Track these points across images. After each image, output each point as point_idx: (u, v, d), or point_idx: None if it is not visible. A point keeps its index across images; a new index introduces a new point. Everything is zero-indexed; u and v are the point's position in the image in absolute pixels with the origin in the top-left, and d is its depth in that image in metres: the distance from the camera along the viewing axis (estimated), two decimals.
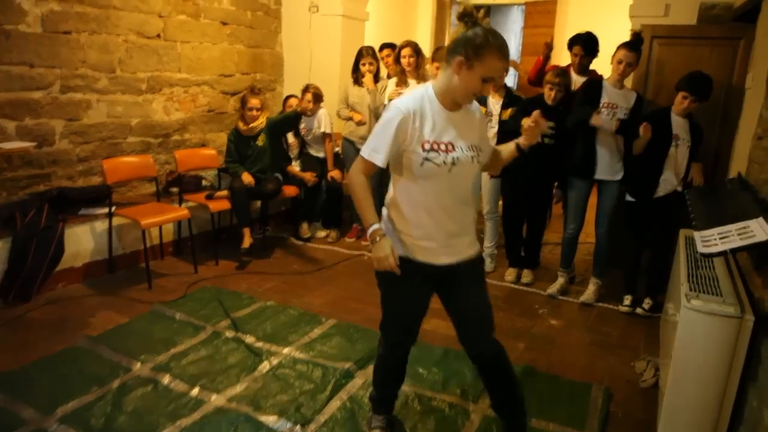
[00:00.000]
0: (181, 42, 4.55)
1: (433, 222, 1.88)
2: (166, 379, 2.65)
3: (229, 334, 3.15)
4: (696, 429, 2.12)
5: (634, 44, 3.45)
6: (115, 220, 3.91)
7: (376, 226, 1.82)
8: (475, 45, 1.71)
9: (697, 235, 2.12)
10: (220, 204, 4.31)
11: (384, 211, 2.02)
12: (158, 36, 4.36)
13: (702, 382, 2.05)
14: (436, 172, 1.81)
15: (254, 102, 4.37)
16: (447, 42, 8.37)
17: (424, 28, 7.88)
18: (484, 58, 1.71)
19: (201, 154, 4.59)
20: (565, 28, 7.10)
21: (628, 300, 3.66)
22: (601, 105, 3.50)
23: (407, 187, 1.89)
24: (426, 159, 1.80)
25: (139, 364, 2.76)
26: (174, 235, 4.48)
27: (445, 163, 1.80)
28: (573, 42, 4.10)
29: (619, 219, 3.76)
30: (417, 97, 1.85)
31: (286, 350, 2.99)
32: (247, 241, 4.27)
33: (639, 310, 3.60)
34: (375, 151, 1.82)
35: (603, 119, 3.42)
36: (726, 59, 3.83)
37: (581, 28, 4.21)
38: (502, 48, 1.73)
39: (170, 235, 4.45)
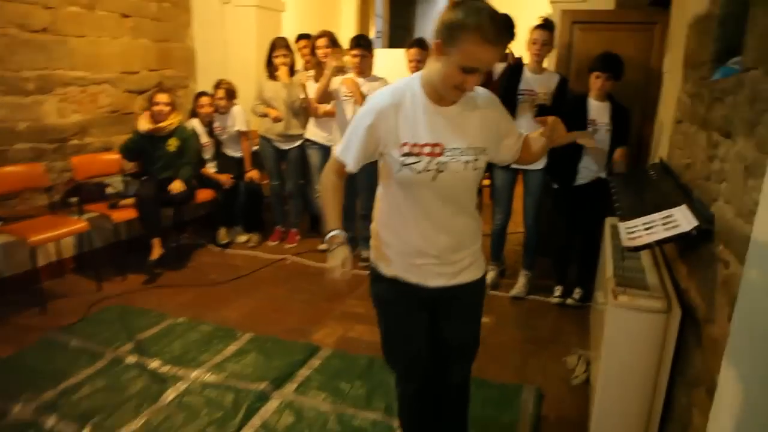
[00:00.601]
0: (75, 36, 4.12)
1: (422, 236, 1.58)
2: (51, 421, 2.31)
3: (132, 359, 2.83)
4: (627, 428, 2.01)
5: (545, 25, 3.36)
6: (1, 238, 3.48)
7: (334, 233, 1.57)
8: (449, 25, 1.37)
9: (622, 226, 2.01)
10: (126, 213, 3.94)
11: (372, 225, 1.73)
12: (45, 30, 3.91)
13: (632, 381, 1.94)
14: (417, 180, 1.50)
15: (161, 97, 4.02)
16: (372, 34, 8.19)
17: (347, 18, 7.64)
18: (460, 42, 1.36)
19: (103, 160, 4.19)
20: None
21: (558, 291, 3.58)
22: (517, 92, 3.39)
23: (391, 195, 1.60)
24: (403, 165, 1.49)
25: (19, 406, 2.40)
26: (75, 249, 4.06)
27: (427, 169, 1.48)
28: None
29: (549, 207, 3.68)
30: (398, 88, 1.54)
31: (195, 373, 2.70)
32: (156, 252, 3.93)
33: (569, 301, 3.53)
34: (346, 148, 1.57)
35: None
36: (644, 43, 3.82)
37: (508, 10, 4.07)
38: (483, 29, 1.34)
39: (70, 249, 4.03)
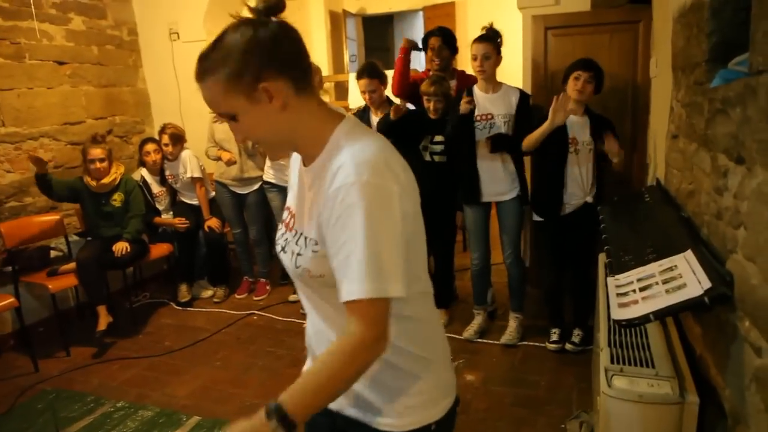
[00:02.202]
0: (1, 90, 3.75)
1: (311, 332, 1.19)
2: None
3: None
4: None
5: (483, 36, 2.96)
6: None
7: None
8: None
9: (611, 282, 1.56)
10: (64, 281, 3.53)
11: None
12: None
13: None
14: (278, 256, 1.14)
15: (95, 153, 3.62)
16: (346, 58, 7.83)
17: (319, 45, 7.28)
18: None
19: (40, 222, 3.78)
20: (467, 30, 6.66)
21: (555, 335, 3.11)
22: (474, 120, 2.98)
23: None
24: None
25: None
26: (14, 324, 3.63)
27: (278, 243, 1.14)
28: (428, 36, 3.53)
29: (539, 236, 3.23)
30: None
31: None
32: (103, 322, 3.50)
33: (568, 346, 3.05)
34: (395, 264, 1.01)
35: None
36: (627, 45, 3.39)
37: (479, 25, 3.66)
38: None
39: (8, 325, 3.61)
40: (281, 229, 1.15)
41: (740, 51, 1.41)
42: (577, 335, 3.07)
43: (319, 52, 7.16)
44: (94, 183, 3.67)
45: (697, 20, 1.74)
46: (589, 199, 2.89)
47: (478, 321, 3.32)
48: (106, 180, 3.68)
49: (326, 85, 6.80)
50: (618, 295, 1.44)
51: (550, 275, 3.12)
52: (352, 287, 0.90)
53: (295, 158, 1.15)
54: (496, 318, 3.52)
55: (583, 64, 2.82)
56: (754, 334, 1.07)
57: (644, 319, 1.26)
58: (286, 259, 1.09)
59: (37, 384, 3.12)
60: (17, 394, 3.01)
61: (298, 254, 1.05)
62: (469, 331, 3.27)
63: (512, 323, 3.24)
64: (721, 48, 1.58)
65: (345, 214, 0.91)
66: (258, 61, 0.93)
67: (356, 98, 5.89)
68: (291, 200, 1.15)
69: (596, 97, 2.94)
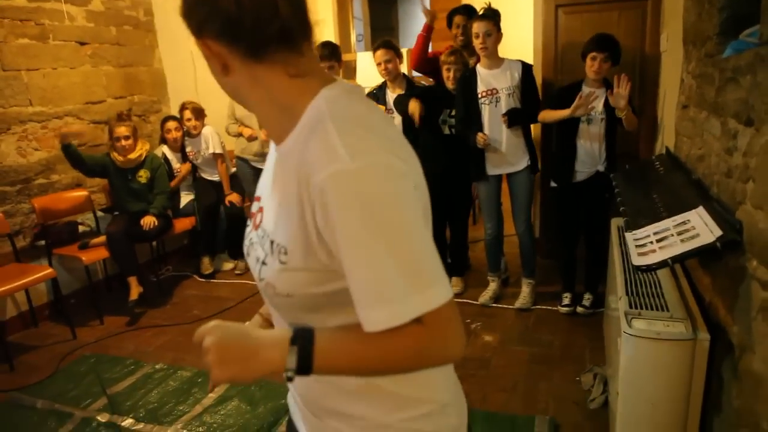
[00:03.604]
0: (27, 70, 3.86)
1: None
2: None
3: (103, 418, 2.57)
4: None
5: (483, 14, 3.08)
6: None
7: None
8: None
9: (630, 237, 1.72)
10: (96, 253, 3.69)
11: None
12: None
13: (656, 417, 1.65)
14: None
15: (121, 131, 3.76)
16: (353, 38, 7.91)
17: (326, 23, 7.35)
18: None
19: (69, 198, 3.92)
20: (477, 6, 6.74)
21: (567, 298, 3.29)
22: (478, 96, 3.12)
23: None
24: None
25: None
26: (49, 295, 3.81)
27: (244, 244, 0.93)
28: (452, 14, 3.66)
29: (550, 207, 3.39)
30: None
31: (170, 431, 2.44)
32: (134, 292, 3.67)
33: (579, 309, 3.23)
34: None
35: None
36: (636, 21, 3.51)
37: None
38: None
39: (43, 297, 3.78)
40: (248, 224, 0.93)
41: (749, 24, 1.55)
42: (587, 299, 3.25)
43: (326, 32, 7.25)
44: (120, 158, 3.81)
45: None
46: (601, 167, 3.04)
47: (492, 287, 3.50)
48: (132, 156, 3.83)
49: None
50: (637, 246, 1.61)
51: (563, 241, 3.28)
52: (385, 312, 0.69)
53: None
54: (509, 285, 3.70)
55: (598, 45, 2.93)
56: (761, 271, 1.23)
57: (663, 264, 1.42)
58: (251, 265, 0.88)
59: (76, 350, 3.29)
60: (59, 359, 3.18)
61: (263, 263, 0.83)
62: (485, 297, 3.45)
63: (525, 288, 3.41)
64: (731, 22, 1.72)
65: (346, 215, 0.69)
66: (200, 10, 0.76)
67: (364, 77, 6.00)
68: (261, 186, 0.93)
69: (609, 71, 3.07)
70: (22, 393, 2.82)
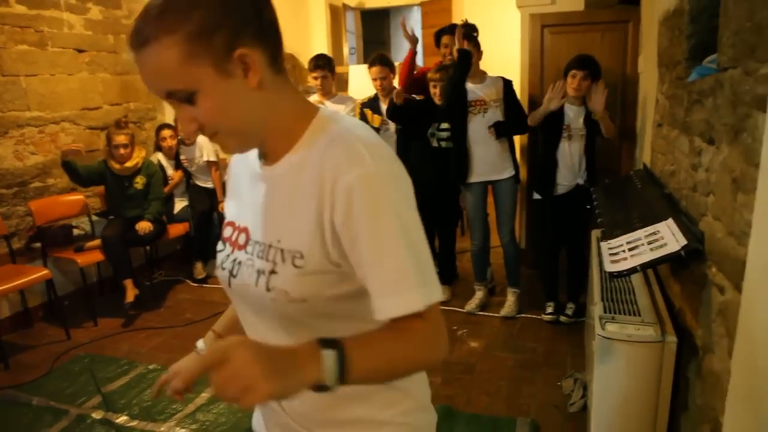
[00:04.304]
0: (26, 75, 3.95)
1: None
2: None
3: (98, 415, 2.64)
4: None
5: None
6: None
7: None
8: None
9: (604, 246, 1.84)
10: (92, 256, 3.76)
11: None
12: None
13: (628, 414, 1.77)
14: (223, 281, 0.93)
15: (120, 139, 3.85)
16: (345, 50, 8.06)
17: (319, 37, 7.50)
18: None
19: (65, 202, 4.00)
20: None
21: (550, 308, 3.41)
22: (468, 107, 3.28)
23: None
24: (218, 251, 0.96)
25: None
26: (43, 297, 3.86)
27: (223, 267, 0.92)
28: (440, 34, 3.84)
29: (534, 218, 3.53)
30: None
31: (163, 428, 2.51)
32: (131, 294, 3.74)
33: (563, 318, 3.36)
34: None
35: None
36: (617, 43, 3.68)
37: (478, 24, 3.94)
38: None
39: (38, 298, 3.83)
40: (223, 248, 0.92)
41: (713, 51, 1.69)
42: (570, 308, 3.37)
43: (319, 45, 7.39)
44: (117, 166, 3.90)
45: (679, 24, 2.03)
46: (581, 181, 3.18)
47: (479, 296, 3.61)
48: (129, 164, 3.91)
49: None
50: (610, 254, 1.73)
51: (545, 251, 3.41)
52: (403, 298, 0.74)
53: (237, 161, 0.96)
54: (495, 294, 3.81)
55: (579, 63, 3.10)
56: (719, 277, 1.36)
57: (632, 270, 1.54)
58: (241, 284, 0.87)
59: (70, 350, 3.36)
60: (53, 359, 3.24)
61: (271, 272, 0.82)
62: (471, 305, 3.56)
63: (510, 297, 3.53)
64: (698, 48, 1.86)
65: (372, 211, 0.75)
66: (239, 17, 0.72)
67: (356, 89, 6.14)
68: (234, 212, 0.94)
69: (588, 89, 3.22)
70: (18, 390, 2.88)
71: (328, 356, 0.68)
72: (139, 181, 3.98)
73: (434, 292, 0.77)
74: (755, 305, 1.07)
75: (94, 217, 4.23)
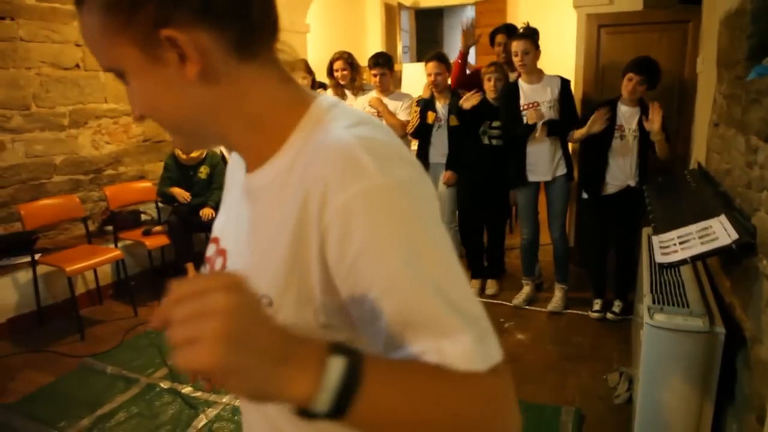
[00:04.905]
0: (104, 71, 4.24)
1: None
2: None
3: (165, 385, 2.85)
4: None
5: (521, 33, 3.36)
6: (41, 268, 3.57)
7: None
8: None
9: (656, 240, 1.90)
10: (158, 239, 4.01)
11: None
12: (77, 66, 4.04)
13: (674, 404, 1.82)
14: None
15: None
16: (399, 49, 8.19)
17: (374, 34, 7.67)
18: None
19: (136, 188, 4.28)
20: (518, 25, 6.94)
21: (597, 305, 3.44)
22: (521, 109, 3.35)
23: None
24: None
25: None
26: (113, 276, 4.15)
27: None
28: (494, 33, 3.96)
29: (584, 217, 3.57)
30: None
31: (225, 398, 2.70)
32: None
33: (609, 315, 3.38)
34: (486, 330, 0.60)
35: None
36: (676, 44, 3.67)
37: (533, 24, 3.99)
38: None
39: (108, 277, 4.12)
40: (204, 270, 0.77)
41: None
42: (617, 306, 3.39)
43: (373, 44, 7.55)
44: (184, 156, 4.14)
45: (740, 24, 2.05)
46: (632, 182, 3.20)
47: (526, 291, 3.67)
48: (194, 154, 4.15)
49: None
50: (661, 248, 1.78)
51: (597, 250, 3.45)
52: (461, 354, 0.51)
53: (234, 158, 0.78)
54: (542, 291, 3.86)
55: (637, 67, 3.09)
56: None
57: (682, 261, 1.60)
58: None
59: (137, 326, 3.60)
60: (123, 333, 3.49)
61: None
62: (519, 299, 3.63)
63: (558, 293, 3.58)
64: (758, 48, 1.89)
65: (384, 241, 0.53)
66: None
67: (409, 87, 6.26)
68: (219, 227, 0.78)
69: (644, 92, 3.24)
70: (94, 359, 3.13)
71: (334, 365, 0.47)
72: (203, 171, 4.21)
73: (492, 349, 0.54)
74: None
75: (160, 204, 4.50)
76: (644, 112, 3.14)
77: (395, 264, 0.52)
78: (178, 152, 4.16)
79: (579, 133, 3.26)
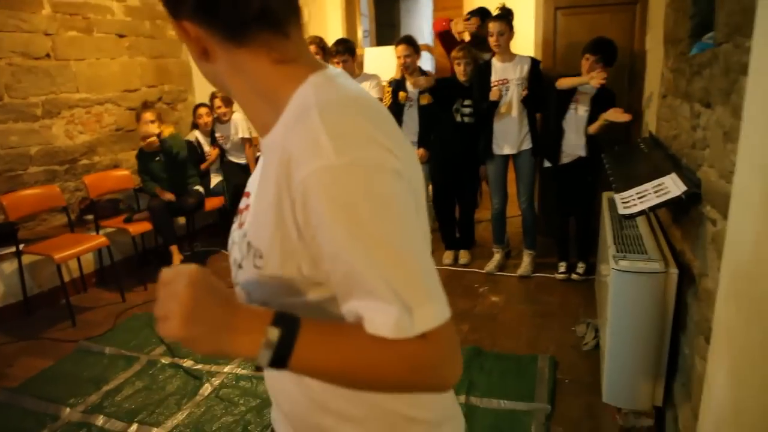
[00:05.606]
0: (75, 60, 4.26)
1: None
2: (100, 421, 2.48)
3: (166, 360, 2.99)
4: (637, 384, 2.17)
5: (498, 15, 3.58)
6: (26, 258, 3.63)
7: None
8: None
9: (617, 197, 2.16)
10: (141, 226, 4.10)
11: None
12: (48, 56, 4.05)
13: (638, 339, 2.10)
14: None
15: (147, 116, 4.19)
16: (360, 33, 8.31)
17: (334, 19, 7.76)
18: None
19: (113, 176, 4.33)
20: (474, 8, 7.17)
21: (562, 267, 3.75)
22: (492, 85, 3.59)
23: None
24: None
25: (68, 410, 2.57)
26: (95, 264, 4.22)
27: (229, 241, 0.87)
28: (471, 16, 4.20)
29: (547, 186, 3.85)
30: None
31: (227, 368, 2.87)
32: (176, 259, 4.09)
33: (574, 276, 3.69)
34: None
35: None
36: (626, 24, 3.96)
37: (493, 7, 4.21)
38: None
39: (91, 265, 4.19)
40: (234, 221, 0.85)
41: (711, 29, 1.99)
42: (581, 267, 3.71)
43: (334, 28, 7.65)
44: (144, 143, 4.21)
45: (683, 6, 2.33)
46: (582, 153, 3.49)
47: (497, 258, 3.95)
48: (151, 139, 4.19)
49: None
50: (622, 202, 2.05)
51: (559, 216, 3.74)
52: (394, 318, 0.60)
53: None
54: (511, 257, 4.15)
55: (593, 47, 3.37)
56: (712, 213, 1.68)
57: (641, 212, 1.87)
58: (233, 261, 0.81)
59: (127, 310, 3.71)
60: (114, 317, 3.60)
61: (239, 266, 0.78)
62: (490, 266, 3.90)
63: (526, 259, 3.87)
64: (700, 27, 2.17)
65: (330, 220, 0.62)
66: None
67: (371, 71, 6.41)
68: (252, 182, 0.84)
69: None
70: (90, 342, 3.23)
71: (271, 335, 0.61)
72: (160, 159, 4.28)
73: (428, 316, 0.61)
74: (737, 222, 1.39)
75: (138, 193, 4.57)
76: (598, 92, 3.40)
77: (341, 238, 0.61)
78: (141, 142, 4.23)
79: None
